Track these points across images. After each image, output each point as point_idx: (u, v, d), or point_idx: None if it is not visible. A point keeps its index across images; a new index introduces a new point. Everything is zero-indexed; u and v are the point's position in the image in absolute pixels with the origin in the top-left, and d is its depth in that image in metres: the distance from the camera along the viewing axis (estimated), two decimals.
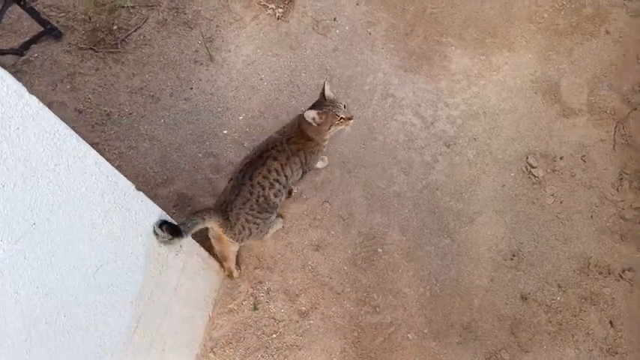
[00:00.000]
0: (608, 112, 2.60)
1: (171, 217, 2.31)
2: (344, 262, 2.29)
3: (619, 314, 2.19)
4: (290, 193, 2.39)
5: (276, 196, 1.97)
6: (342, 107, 2.02)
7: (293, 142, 2.01)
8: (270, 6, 2.97)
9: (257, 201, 1.90)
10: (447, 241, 2.36)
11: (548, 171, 2.49)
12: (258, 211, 1.92)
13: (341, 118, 1.99)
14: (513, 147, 2.56)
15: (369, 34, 2.90)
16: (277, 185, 1.95)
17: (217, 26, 2.92)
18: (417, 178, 2.50)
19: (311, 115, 1.93)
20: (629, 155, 2.50)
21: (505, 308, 2.22)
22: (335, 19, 2.94)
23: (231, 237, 1.92)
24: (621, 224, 2.37)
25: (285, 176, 1.98)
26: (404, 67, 2.79)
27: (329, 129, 2.01)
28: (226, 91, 2.70)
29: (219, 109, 2.63)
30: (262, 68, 2.79)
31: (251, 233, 1.96)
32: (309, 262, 2.28)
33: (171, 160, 2.48)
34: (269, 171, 1.92)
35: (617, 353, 2.11)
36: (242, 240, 1.96)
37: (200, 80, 2.72)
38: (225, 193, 1.93)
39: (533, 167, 2.50)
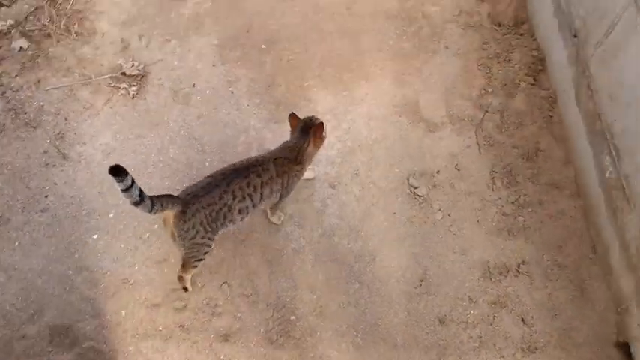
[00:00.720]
0: (466, 119, 2.57)
1: (48, 355, 1.82)
2: (259, 343, 1.96)
3: (527, 309, 2.10)
4: None
5: (240, 212, 1.86)
6: None
7: (280, 164, 1.93)
8: (121, 86, 2.57)
9: (220, 209, 1.79)
10: (357, 286, 2.13)
11: (430, 187, 2.39)
12: (212, 219, 1.79)
13: None
14: (393, 173, 2.42)
15: (232, 93, 2.62)
16: (248, 201, 1.85)
17: (66, 119, 2.46)
18: (312, 228, 2.26)
19: (322, 128, 1.96)
20: (493, 155, 2.48)
21: (427, 338, 2.04)
22: (194, 85, 2.63)
23: (179, 230, 1.75)
24: (505, 221, 2.31)
25: (261, 195, 1.88)
26: (274, 118, 2.55)
27: (322, 144, 2.04)
28: (89, 190, 2.25)
29: (84, 213, 2.18)
30: (126, 154, 2.38)
31: (195, 236, 1.78)
32: (221, 357, 1.91)
33: (35, 289, 1.97)
34: (248, 185, 1.83)
35: (537, 349, 2.01)
36: (185, 238, 1.78)
37: (56, 185, 2.25)
38: (196, 186, 1.81)
39: (415, 188, 2.38)
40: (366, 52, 2.76)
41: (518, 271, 2.19)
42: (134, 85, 2.57)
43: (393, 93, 2.64)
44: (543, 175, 2.42)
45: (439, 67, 2.72)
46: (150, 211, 1.61)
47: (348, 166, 2.43)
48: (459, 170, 2.44)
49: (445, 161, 2.46)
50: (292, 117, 2.03)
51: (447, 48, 2.78)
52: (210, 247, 1.90)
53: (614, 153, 2.08)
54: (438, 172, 2.43)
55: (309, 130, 1.97)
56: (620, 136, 2.05)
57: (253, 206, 1.90)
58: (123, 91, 2.56)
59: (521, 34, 2.81)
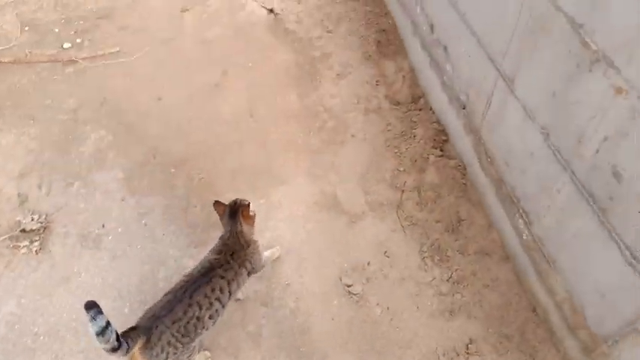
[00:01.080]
0: (385, 203, 2.65)
1: None
2: None
3: None
4: None
5: (210, 317, 1.82)
6: None
7: (237, 256, 1.96)
8: (22, 244, 2.46)
9: (187, 323, 1.74)
10: None
11: (364, 282, 2.38)
12: (182, 334, 1.74)
13: None
14: (325, 274, 2.40)
15: (145, 225, 2.57)
16: (217, 304, 1.83)
17: None
18: (248, 356, 2.15)
19: (248, 208, 2.03)
20: (419, 233, 2.54)
21: None
22: (104, 226, 2.56)
23: (147, 358, 1.67)
24: (444, 301, 2.32)
25: (230, 292, 1.89)
26: (193, 243, 2.51)
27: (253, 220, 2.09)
28: None
29: None
30: (34, 320, 2.23)
31: (167, 358, 1.73)
32: None
33: None
34: (212, 289, 1.82)
35: None
36: None
37: None
38: (155, 308, 1.75)
39: (349, 286, 2.36)
40: (276, 155, 2.85)
41: (467, 353, 2.17)
42: (36, 241, 2.47)
43: (310, 190, 2.70)
44: (470, 243, 2.49)
45: (350, 156, 2.84)
46: (126, 354, 1.57)
47: (277, 278, 2.39)
48: (388, 257, 2.46)
49: (373, 250, 2.48)
50: (217, 204, 2.09)
51: (353, 136, 2.92)
52: (192, 352, 1.86)
53: (524, 216, 2.19)
54: (368, 263, 2.44)
55: (237, 213, 2.02)
56: (524, 200, 2.17)
57: (223, 306, 1.89)
58: (24, 250, 2.45)
59: (420, 109, 3.02)
